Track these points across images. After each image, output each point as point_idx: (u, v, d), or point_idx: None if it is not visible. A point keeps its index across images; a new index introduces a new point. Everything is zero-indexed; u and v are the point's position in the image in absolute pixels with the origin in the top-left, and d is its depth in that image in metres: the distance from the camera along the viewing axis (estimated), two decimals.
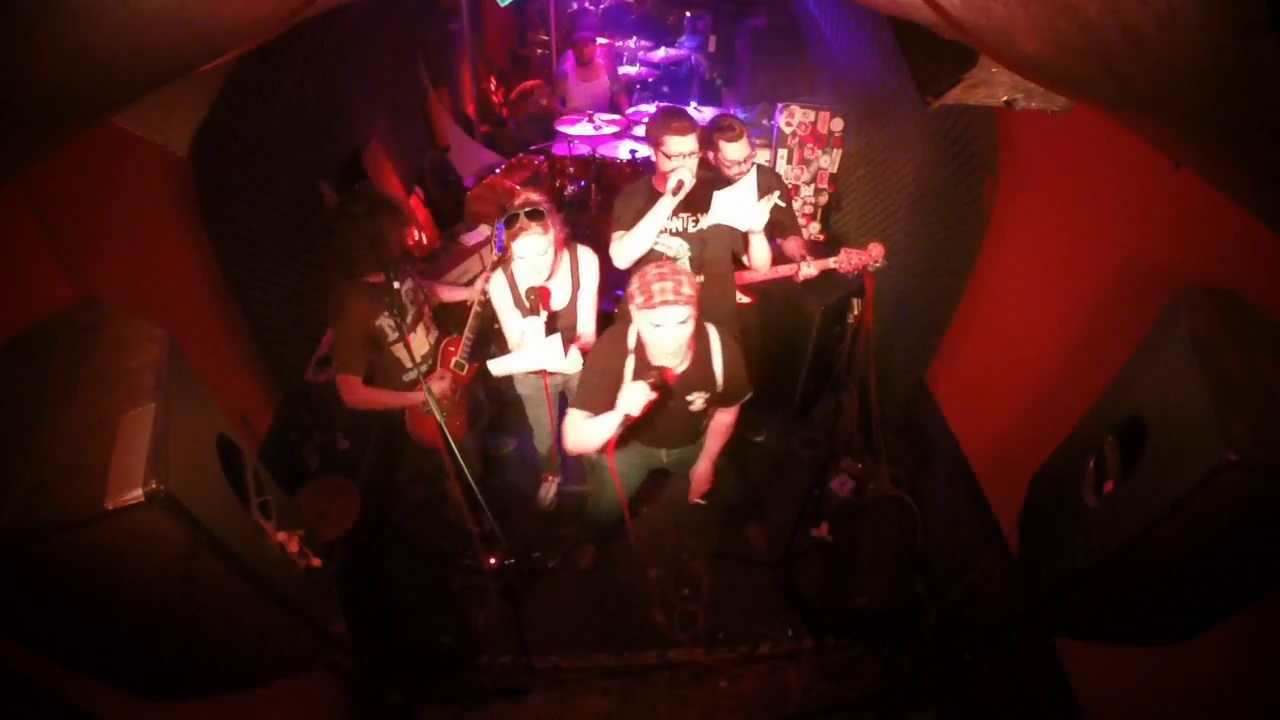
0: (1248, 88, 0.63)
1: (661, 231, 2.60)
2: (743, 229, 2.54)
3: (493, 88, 6.66)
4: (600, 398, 2.12)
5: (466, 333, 2.58)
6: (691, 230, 2.61)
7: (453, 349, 2.67)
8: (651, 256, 2.59)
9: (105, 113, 1.16)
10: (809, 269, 2.76)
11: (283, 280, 2.97)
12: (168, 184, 2.27)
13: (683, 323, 1.92)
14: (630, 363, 2.14)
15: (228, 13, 1.05)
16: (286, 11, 1.28)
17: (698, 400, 2.22)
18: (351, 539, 2.55)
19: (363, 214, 2.27)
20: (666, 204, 2.44)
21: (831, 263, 2.74)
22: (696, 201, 2.52)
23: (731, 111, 5.36)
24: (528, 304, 2.40)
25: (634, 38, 6.78)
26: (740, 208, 2.47)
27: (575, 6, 7.01)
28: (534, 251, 2.30)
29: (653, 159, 2.58)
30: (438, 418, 2.18)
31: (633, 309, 1.97)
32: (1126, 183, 1.98)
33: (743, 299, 3.09)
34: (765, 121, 4.80)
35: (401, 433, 2.73)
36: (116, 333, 1.20)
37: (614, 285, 3.15)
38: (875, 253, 2.72)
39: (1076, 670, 2.07)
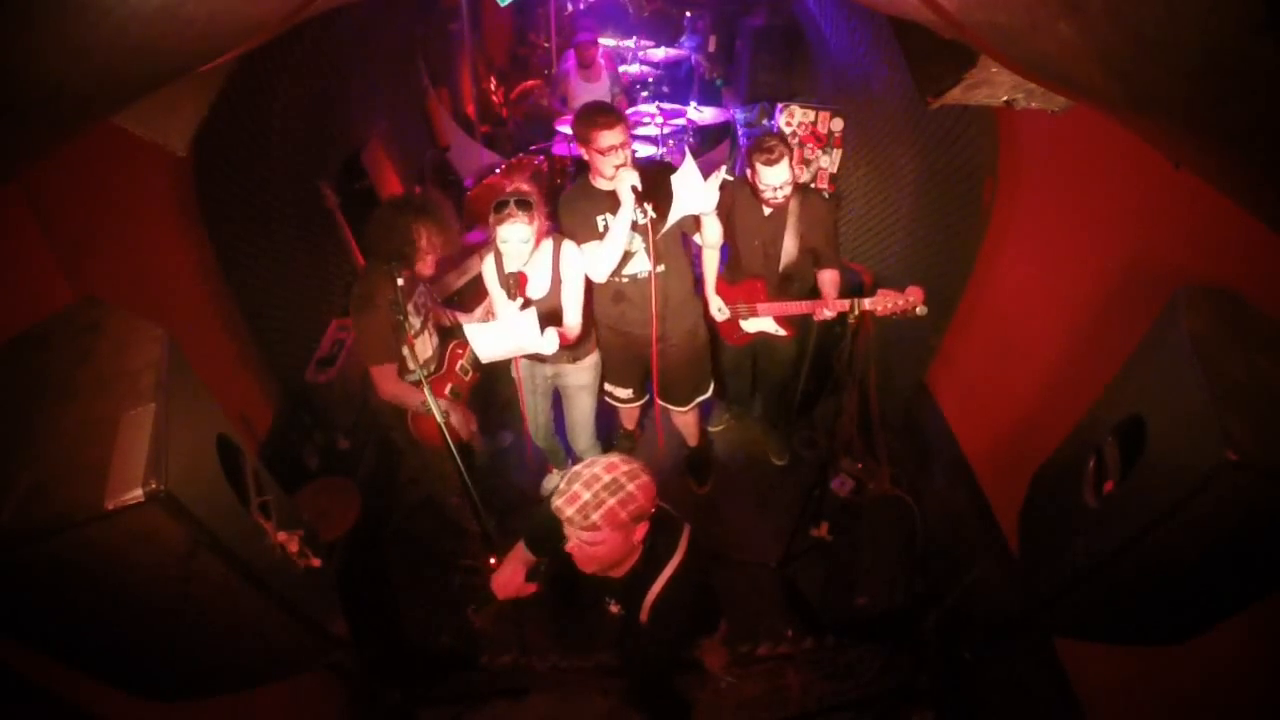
0: (1248, 88, 0.63)
1: (604, 230, 2.56)
2: (699, 212, 2.46)
3: (493, 88, 6.66)
4: (535, 542, 1.98)
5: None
6: (641, 221, 2.53)
7: (460, 352, 2.67)
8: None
9: (105, 113, 1.16)
10: (828, 314, 2.67)
11: (283, 280, 2.97)
12: (168, 184, 2.27)
13: (589, 542, 1.65)
14: None
15: (228, 12, 1.05)
16: (287, 11, 1.28)
17: (614, 606, 1.99)
18: (351, 539, 2.55)
19: (434, 212, 2.39)
20: (627, 214, 2.40)
21: (867, 304, 2.62)
22: (644, 192, 2.46)
23: (730, 112, 5.37)
24: (507, 288, 2.43)
25: (634, 37, 6.78)
26: (695, 191, 2.37)
27: (574, 7, 7.02)
28: (516, 238, 2.36)
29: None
30: (438, 418, 2.18)
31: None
32: (1127, 183, 1.98)
33: (780, 332, 3.02)
34: (765, 121, 4.80)
35: (402, 432, 2.72)
36: (116, 333, 1.20)
37: None
38: (914, 298, 2.57)
39: (1076, 670, 2.07)
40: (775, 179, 2.65)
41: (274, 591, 1.27)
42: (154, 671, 1.27)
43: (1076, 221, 2.27)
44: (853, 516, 3.22)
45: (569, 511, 1.61)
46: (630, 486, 1.64)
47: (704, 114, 5.29)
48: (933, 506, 3.05)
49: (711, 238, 2.67)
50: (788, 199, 2.74)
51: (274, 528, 1.34)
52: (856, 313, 2.64)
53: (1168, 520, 1.13)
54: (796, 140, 4.26)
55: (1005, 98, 1.62)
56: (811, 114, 4.20)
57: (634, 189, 2.36)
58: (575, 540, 1.65)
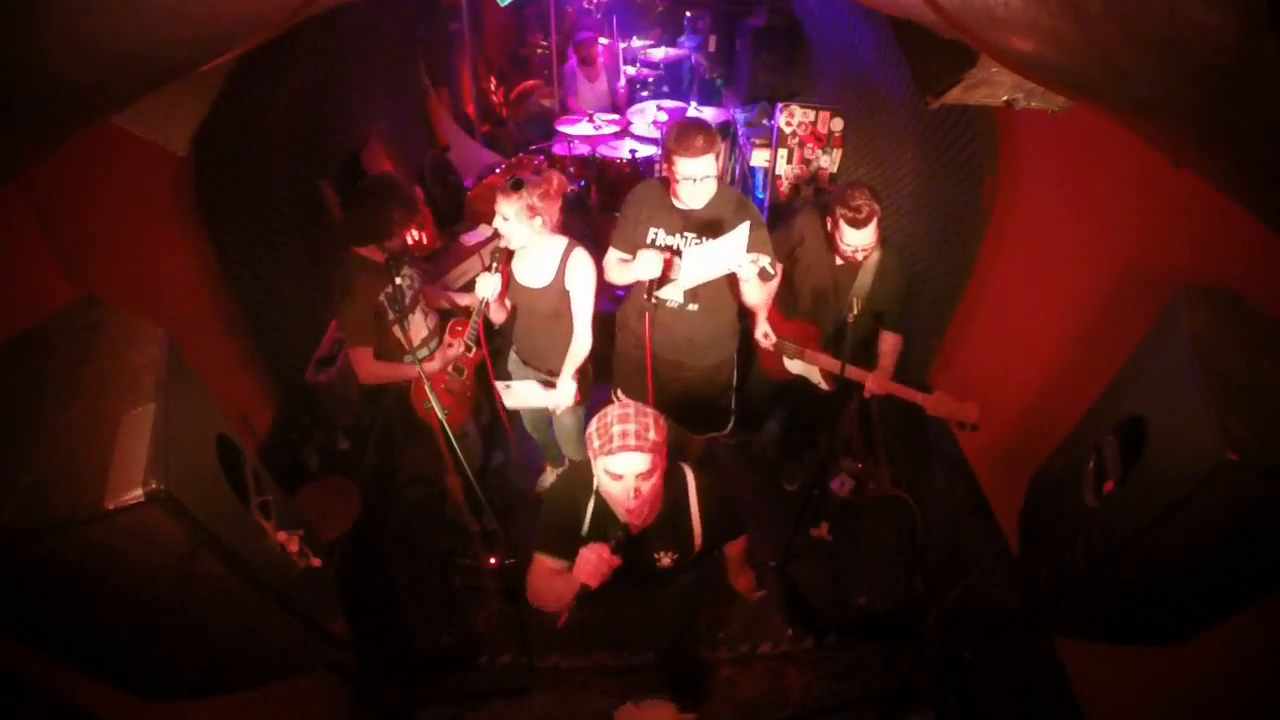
0: (1248, 88, 0.63)
1: (656, 246, 2.47)
2: (725, 273, 2.27)
3: (493, 88, 6.66)
4: (556, 545, 1.82)
5: (475, 316, 2.55)
6: (685, 247, 2.43)
7: (460, 329, 2.68)
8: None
9: (106, 112, 1.16)
10: (877, 391, 2.50)
11: (283, 280, 2.97)
12: (168, 184, 2.27)
13: (645, 475, 1.64)
14: (591, 507, 1.83)
15: (228, 12, 1.05)
16: (287, 11, 1.28)
17: (666, 558, 1.92)
18: (351, 539, 2.55)
19: (380, 194, 2.44)
20: (649, 274, 2.33)
21: (919, 399, 2.47)
22: (702, 223, 2.38)
23: (730, 112, 5.37)
24: (493, 261, 2.43)
25: (634, 37, 6.78)
26: (720, 261, 2.19)
27: (573, 7, 7.02)
28: (510, 213, 2.38)
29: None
30: (438, 411, 2.19)
31: (591, 454, 1.71)
32: (1126, 183, 1.98)
33: (822, 385, 2.85)
34: (765, 121, 4.80)
35: (402, 432, 2.73)
36: (116, 333, 1.20)
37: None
38: (971, 413, 2.41)
39: (1076, 670, 2.07)
40: (859, 241, 2.43)
41: (274, 591, 1.27)
42: (154, 671, 1.27)
43: (1076, 221, 2.27)
44: (853, 516, 3.22)
45: (632, 442, 1.61)
46: (651, 410, 1.71)
47: (704, 114, 5.29)
48: (933, 506, 3.05)
49: (750, 297, 2.43)
50: (855, 261, 2.56)
51: (274, 528, 1.34)
52: (858, 304, 2.45)
53: (1168, 520, 1.13)
54: (797, 140, 4.26)
55: (1005, 98, 1.62)
56: (811, 114, 4.20)
57: (666, 265, 2.34)
58: (635, 488, 1.64)
